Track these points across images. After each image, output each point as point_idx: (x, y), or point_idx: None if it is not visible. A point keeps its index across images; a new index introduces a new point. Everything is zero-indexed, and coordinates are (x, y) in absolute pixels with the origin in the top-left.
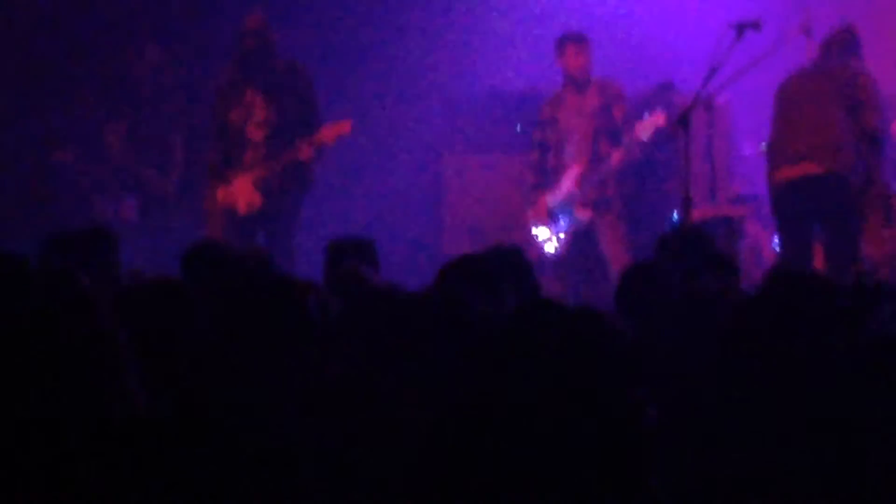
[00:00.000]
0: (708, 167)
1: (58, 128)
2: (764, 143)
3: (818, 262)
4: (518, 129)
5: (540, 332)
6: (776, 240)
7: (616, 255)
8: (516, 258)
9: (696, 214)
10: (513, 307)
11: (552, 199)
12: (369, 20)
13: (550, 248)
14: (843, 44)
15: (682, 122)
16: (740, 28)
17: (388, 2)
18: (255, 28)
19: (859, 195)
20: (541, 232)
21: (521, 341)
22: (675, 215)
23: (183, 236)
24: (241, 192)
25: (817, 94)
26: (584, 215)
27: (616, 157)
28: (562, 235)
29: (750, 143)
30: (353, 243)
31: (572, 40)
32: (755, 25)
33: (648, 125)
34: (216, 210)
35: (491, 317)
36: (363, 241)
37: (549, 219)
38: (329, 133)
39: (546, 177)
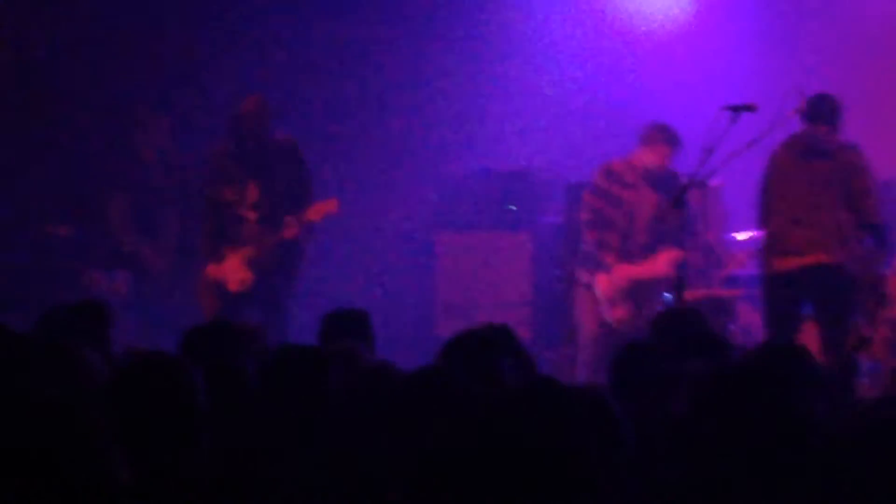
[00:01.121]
0: (700, 248)
1: (56, 201)
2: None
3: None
4: (512, 208)
5: (543, 412)
6: None
7: None
8: (509, 337)
9: (689, 295)
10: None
11: (637, 273)
12: (364, 98)
13: (624, 322)
14: (830, 115)
15: (676, 202)
16: (735, 110)
17: (382, 79)
18: (252, 110)
19: (855, 283)
20: (613, 303)
21: (526, 419)
22: (668, 295)
23: (176, 312)
24: (233, 270)
25: (814, 179)
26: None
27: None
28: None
29: (744, 225)
30: (348, 316)
31: (661, 133)
32: (750, 108)
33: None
34: (208, 286)
35: (491, 395)
36: (359, 313)
37: (629, 291)
38: (316, 211)
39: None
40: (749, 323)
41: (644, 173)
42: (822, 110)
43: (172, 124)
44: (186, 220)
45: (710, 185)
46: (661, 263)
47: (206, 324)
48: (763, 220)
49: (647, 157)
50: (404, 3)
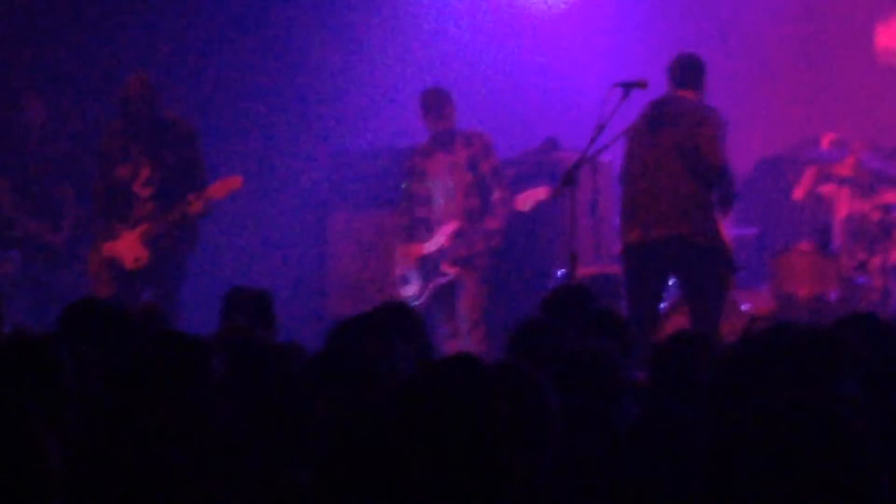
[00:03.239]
0: (593, 225)
1: None
2: None
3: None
4: (403, 185)
5: (461, 387)
6: None
7: (467, 311)
8: (406, 314)
9: (581, 272)
10: (408, 363)
11: (422, 251)
12: (256, 73)
13: (413, 299)
14: (690, 77)
15: (567, 179)
16: (627, 87)
17: (276, 56)
18: (138, 90)
19: (710, 253)
20: (406, 281)
21: (440, 396)
22: (560, 272)
23: (71, 290)
24: (128, 248)
25: (658, 148)
26: (451, 270)
27: (491, 224)
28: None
29: None
30: (251, 295)
31: (432, 97)
32: (641, 85)
33: (529, 198)
34: (102, 264)
35: (387, 374)
36: (261, 292)
37: (418, 268)
38: (219, 189)
39: (416, 227)
40: None
41: (433, 139)
42: (680, 72)
43: (54, 98)
44: (84, 197)
45: (601, 161)
46: (441, 236)
47: (85, 300)
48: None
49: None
50: None
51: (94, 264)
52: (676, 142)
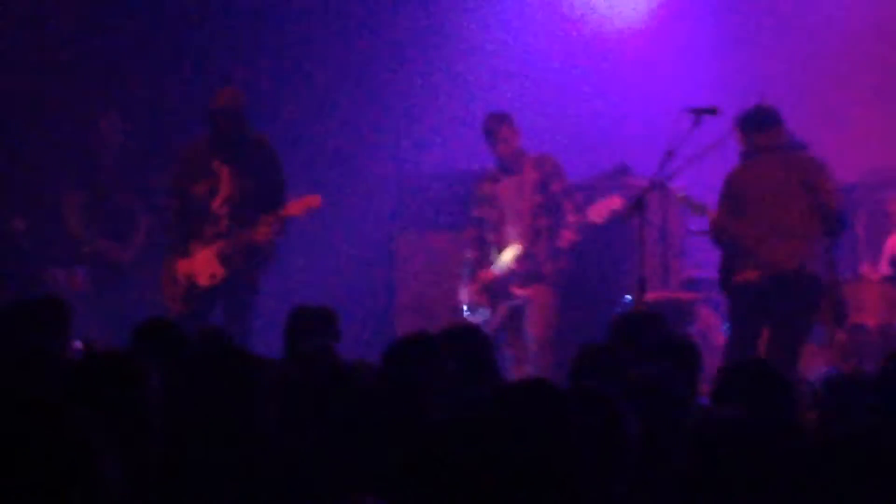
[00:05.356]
0: (661, 250)
1: (13, 196)
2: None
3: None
4: (474, 212)
5: (540, 411)
6: (726, 325)
7: (534, 334)
8: (472, 336)
9: (649, 297)
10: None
11: (490, 276)
12: (328, 96)
13: (484, 324)
14: (778, 121)
15: (637, 205)
16: (697, 113)
17: (348, 80)
18: (227, 103)
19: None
20: (475, 307)
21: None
22: (629, 297)
23: (138, 307)
24: (204, 265)
25: (779, 187)
26: (520, 292)
27: (566, 237)
28: (495, 313)
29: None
30: (316, 313)
31: (497, 123)
32: (712, 111)
33: (603, 208)
34: (175, 281)
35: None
36: (326, 311)
37: (487, 295)
38: (297, 206)
39: (486, 253)
40: (708, 325)
41: (499, 164)
42: (765, 118)
43: (129, 118)
44: (153, 214)
45: (671, 187)
46: (509, 258)
47: (155, 320)
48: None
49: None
50: (364, 4)
51: (166, 281)
52: (799, 181)
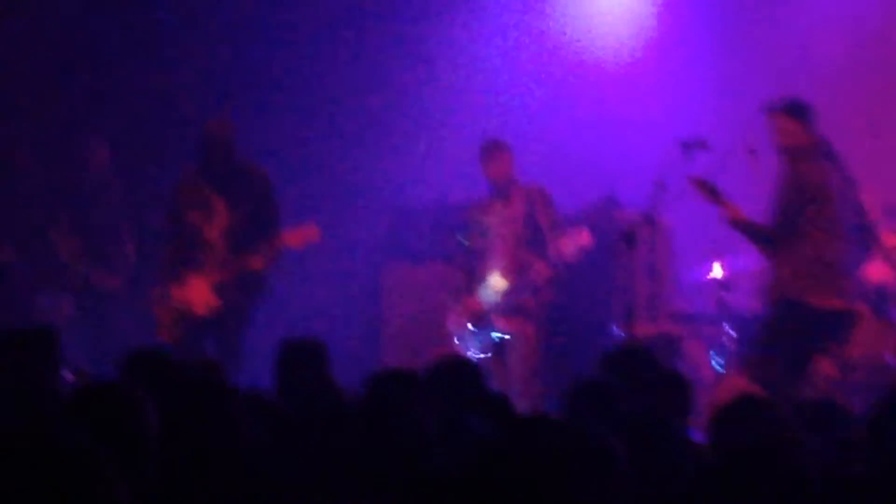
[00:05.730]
0: (649, 283)
1: (1, 226)
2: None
3: None
4: (458, 236)
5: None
6: (714, 359)
7: (519, 367)
8: (464, 368)
9: (637, 330)
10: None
11: (477, 306)
12: (312, 127)
13: (472, 354)
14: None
15: (627, 238)
16: (687, 147)
17: (336, 110)
18: (219, 133)
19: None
20: (464, 336)
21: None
22: (616, 329)
23: (126, 333)
24: (199, 294)
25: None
26: (504, 325)
27: (540, 270)
28: (483, 344)
29: (693, 262)
30: (305, 345)
31: (493, 147)
32: (702, 145)
33: (570, 244)
34: (168, 310)
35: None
36: (315, 343)
37: (474, 325)
38: (295, 238)
39: (473, 281)
40: (697, 361)
41: (493, 189)
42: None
43: (114, 143)
44: (140, 242)
45: (660, 220)
46: (493, 289)
47: (145, 348)
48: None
49: (487, 174)
50: (357, 33)
51: (159, 309)
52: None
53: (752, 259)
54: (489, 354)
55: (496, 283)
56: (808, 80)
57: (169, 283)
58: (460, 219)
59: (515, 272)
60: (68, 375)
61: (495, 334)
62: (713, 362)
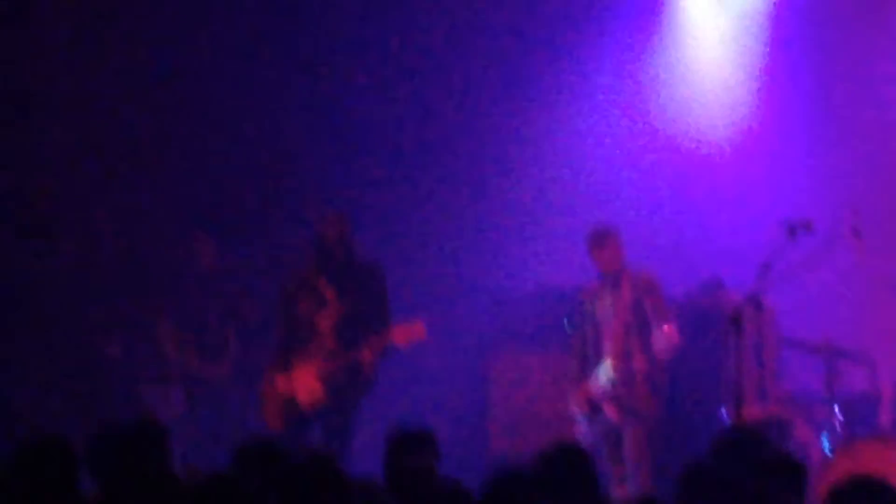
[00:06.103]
0: (756, 366)
1: (111, 321)
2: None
3: None
4: (566, 324)
5: None
6: (825, 443)
7: (632, 455)
8: (577, 457)
9: (746, 413)
10: None
11: (589, 391)
12: (421, 208)
13: (584, 439)
14: None
15: (733, 321)
16: (792, 228)
17: (437, 195)
18: (336, 229)
19: None
20: (577, 421)
21: None
22: (724, 413)
23: (233, 427)
24: (304, 383)
25: None
26: (611, 413)
27: (639, 365)
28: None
29: (799, 345)
30: (415, 435)
31: (602, 237)
32: (807, 226)
33: (660, 342)
34: (275, 398)
35: None
36: (425, 433)
37: (587, 408)
38: (402, 334)
39: (587, 365)
40: (806, 442)
41: (603, 279)
42: None
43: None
44: (242, 335)
45: (766, 302)
46: (602, 377)
47: (262, 441)
48: None
49: (596, 262)
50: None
51: (266, 397)
52: None
53: None
54: (591, 439)
55: (607, 370)
56: None
57: (277, 372)
58: (567, 305)
59: (622, 360)
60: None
61: (604, 420)
62: (823, 445)
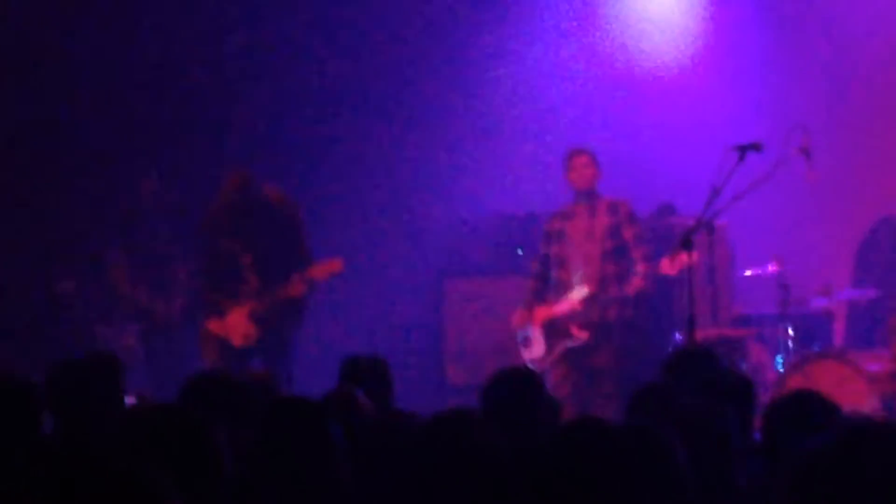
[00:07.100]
0: (709, 289)
1: (60, 258)
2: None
3: None
4: (520, 252)
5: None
6: (779, 362)
7: (596, 381)
8: (524, 379)
9: (699, 335)
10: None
11: (552, 313)
12: (371, 144)
13: (537, 361)
14: None
15: (685, 244)
16: (742, 150)
17: (393, 124)
18: (236, 189)
19: None
20: (528, 343)
21: (572, 460)
22: (678, 336)
23: (187, 362)
24: (236, 325)
25: None
26: (581, 335)
27: (636, 284)
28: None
29: (751, 264)
30: (368, 362)
31: (578, 153)
32: (756, 147)
33: (676, 263)
34: (210, 340)
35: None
36: (377, 360)
37: (543, 330)
38: (321, 271)
39: (547, 288)
40: (760, 362)
41: (578, 197)
42: None
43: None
44: (192, 272)
45: (717, 225)
46: (573, 299)
47: (209, 373)
48: None
49: (572, 181)
50: (414, 49)
51: (203, 339)
52: None
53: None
54: (549, 362)
55: (579, 291)
56: (859, 83)
57: (208, 314)
58: (525, 236)
59: (599, 285)
60: (131, 401)
61: (569, 341)
62: (776, 363)
